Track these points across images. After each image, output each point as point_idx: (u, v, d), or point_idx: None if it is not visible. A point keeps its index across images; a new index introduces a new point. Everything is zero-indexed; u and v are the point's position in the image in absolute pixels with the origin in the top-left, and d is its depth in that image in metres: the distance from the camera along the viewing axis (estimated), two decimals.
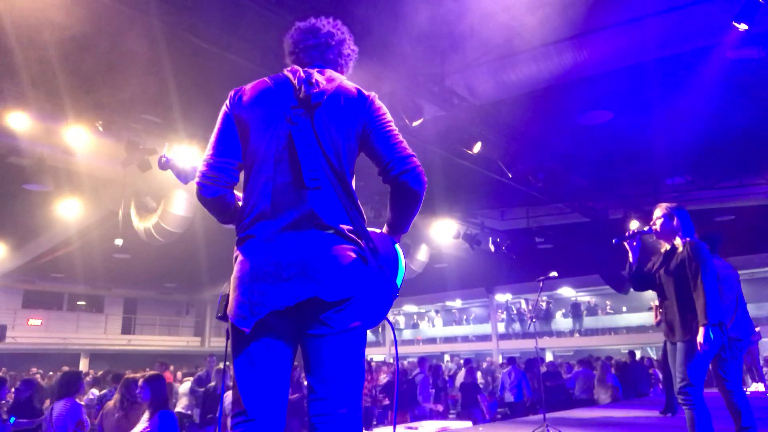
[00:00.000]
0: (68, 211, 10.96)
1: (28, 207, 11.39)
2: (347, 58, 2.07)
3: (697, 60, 6.75)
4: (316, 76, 1.87)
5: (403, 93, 6.99)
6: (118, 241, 10.28)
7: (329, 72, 1.94)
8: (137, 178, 8.56)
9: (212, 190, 1.84)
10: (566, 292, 23.93)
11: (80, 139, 7.35)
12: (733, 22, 5.40)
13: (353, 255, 1.77)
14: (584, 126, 9.04)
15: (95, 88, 7.22)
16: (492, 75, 6.95)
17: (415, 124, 7.07)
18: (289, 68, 1.95)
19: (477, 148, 8.18)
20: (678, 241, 3.62)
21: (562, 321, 23.26)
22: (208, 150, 1.87)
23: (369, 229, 1.89)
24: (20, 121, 7.04)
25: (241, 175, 1.91)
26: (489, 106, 8.07)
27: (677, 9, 5.82)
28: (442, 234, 12.77)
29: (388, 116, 1.90)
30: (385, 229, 2.00)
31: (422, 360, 10.18)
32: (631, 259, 3.81)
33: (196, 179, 1.87)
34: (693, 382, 3.31)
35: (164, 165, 2.07)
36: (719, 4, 5.57)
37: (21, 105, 6.98)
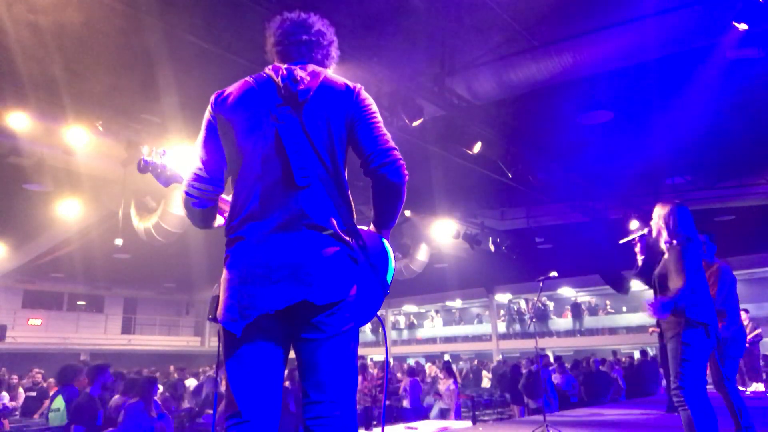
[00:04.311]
0: (68, 211, 10.96)
1: (28, 207, 11.38)
2: (332, 60, 2.05)
3: (697, 60, 6.75)
4: (299, 72, 1.85)
5: (403, 93, 6.99)
6: (118, 241, 10.27)
7: (312, 66, 1.92)
8: (137, 178, 8.55)
9: (202, 203, 1.86)
10: (566, 292, 23.93)
11: (80, 139, 7.34)
12: (733, 22, 5.40)
13: (344, 256, 1.76)
14: (584, 126, 9.04)
15: (95, 88, 7.22)
16: (492, 75, 6.95)
17: (415, 124, 7.06)
18: (270, 66, 1.93)
19: (477, 148, 8.18)
20: (662, 244, 3.60)
21: (561, 321, 23.26)
22: (195, 160, 1.87)
23: (358, 226, 1.88)
24: (20, 121, 7.03)
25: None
26: (489, 106, 8.07)
27: (677, 9, 5.82)
28: (442, 234, 12.77)
29: (374, 108, 1.89)
30: (371, 227, 1.98)
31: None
32: (638, 259, 3.84)
33: (185, 188, 1.87)
34: (685, 383, 3.27)
35: (143, 169, 2.04)
36: (719, 4, 5.57)
37: (21, 105, 6.97)
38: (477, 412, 10.64)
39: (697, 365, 3.33)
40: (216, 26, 5.86)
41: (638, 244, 3.86)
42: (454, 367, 15.42)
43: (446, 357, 24.25)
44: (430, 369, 14.52)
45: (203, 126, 1.89)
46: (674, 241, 3.51)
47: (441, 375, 11.08)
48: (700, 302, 3.40)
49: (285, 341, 1.77)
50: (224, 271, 1.78)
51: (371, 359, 21.35)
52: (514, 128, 9.09)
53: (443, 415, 9.63)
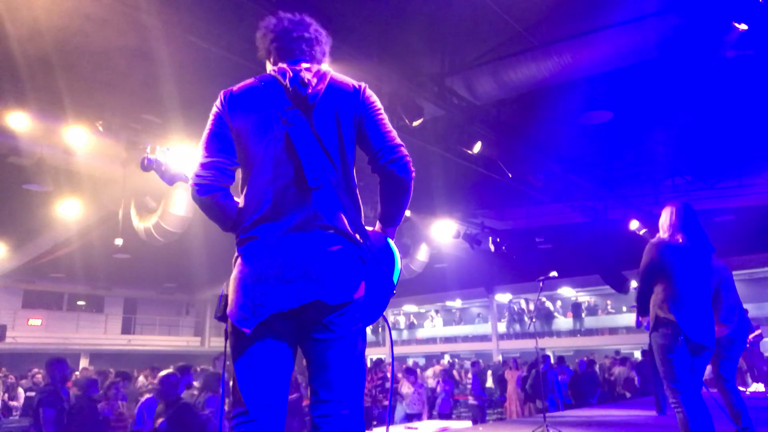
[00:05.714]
0: (68, 211, 10.97)
1: (28, 207, 11.38)
2: (324, 58, 2.07)
3: (697, 60, 6.75)
4: (306, 74, 1.86)
5: (403, 93, 6.99)
6: (118, 241, 10.26)
7: (316, 66, 1.93)
8: (137, 178, 8.55)
9: (206, 189, 1.81)
10: (566, 292, 23.93)
11: (80, 139, 7.34)
12: (733, 22, 5.40)
13: (354, 256, 1.78)
14: (584, 126, 9.05)
15: (95, 88, 7.22)
16: (492, 75, 6.95)
17: (415, 124, 7.06)
18: (276, 68, 1.92)
19: (477, 148, 8.18)
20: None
21: (562, 321, 23.27)
22: (201, 150, 1.86)
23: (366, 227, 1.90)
24: (20, 121, 7.03)
25: (239, 180, 1.90)
26: (489, 106, 8.07)
27: (677, 9, 5.82)
28: (442, 234, 12.77)
29: (379, 105, 1.92)
30: (377, 226, 2.00)
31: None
32: None
33: (191, 180, 1.86)
34: (675, 384, 3.23)
35: (147, 167, 2.03)
36: (719, 4, 5.57)
37: (21, 105, 6.97)
38: None
39: (682, 364, 3.24)
40: (216, 26, 5.86)
41: None
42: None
43: (446, 357, 24.27)
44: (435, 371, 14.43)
45: (211, 119, 1.88)
46: (651, 240, 3.55)
47: (401, 377, 10.81)
48: (677, 302, 3.31)
49: (294, 341, 1.79)
50: (235, 270, 1.79)
51: (370, 359, 21.32)
52: (514, 128, 9.09)
53: (409, 419, 9.56)
